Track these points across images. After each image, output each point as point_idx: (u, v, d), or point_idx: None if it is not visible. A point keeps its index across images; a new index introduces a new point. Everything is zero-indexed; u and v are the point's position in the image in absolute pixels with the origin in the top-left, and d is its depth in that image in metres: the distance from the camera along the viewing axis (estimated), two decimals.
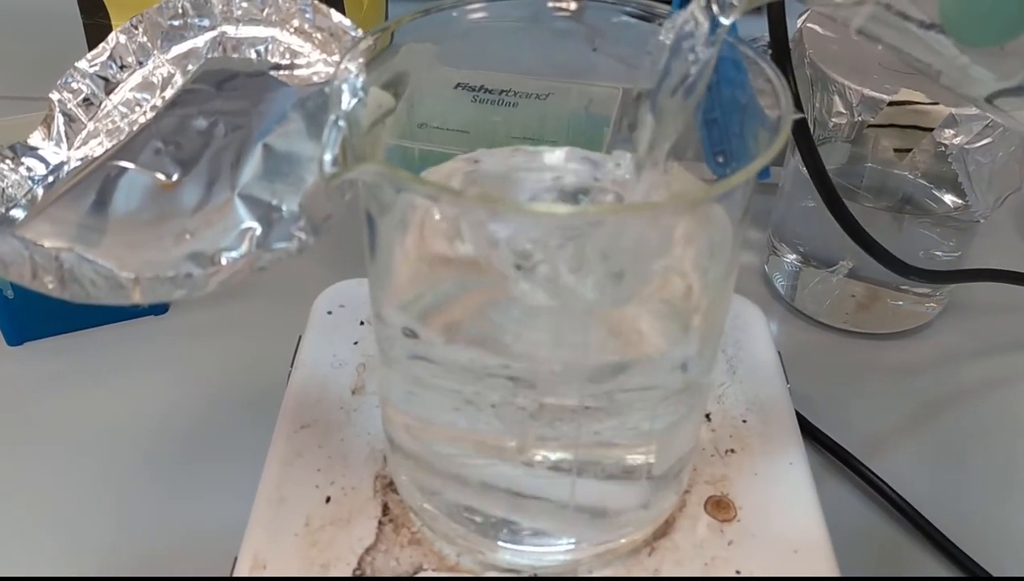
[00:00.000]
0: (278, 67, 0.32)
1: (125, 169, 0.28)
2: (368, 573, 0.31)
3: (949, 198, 0.49)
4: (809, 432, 0.45)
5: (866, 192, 0.50)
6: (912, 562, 0.41)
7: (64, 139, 0.32)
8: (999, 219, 0.60)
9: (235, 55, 0.33)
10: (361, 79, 0.27)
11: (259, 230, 0.27)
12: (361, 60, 0.28)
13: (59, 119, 0.32)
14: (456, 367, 0.28)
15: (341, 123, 0.25)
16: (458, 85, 0.51)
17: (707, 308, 0.29)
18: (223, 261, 0.26)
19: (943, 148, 0.43)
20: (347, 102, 0.26)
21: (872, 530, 0.42)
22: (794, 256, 0.53)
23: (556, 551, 0.31)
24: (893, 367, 0.50)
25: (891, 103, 0.43)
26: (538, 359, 0.27)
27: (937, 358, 0.51)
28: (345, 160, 0.24)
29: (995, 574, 0.40)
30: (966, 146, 0.43)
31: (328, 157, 0.24)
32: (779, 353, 0.40)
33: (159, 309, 0.52)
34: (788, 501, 0.34)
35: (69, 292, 0.25)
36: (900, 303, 0.51)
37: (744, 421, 0.36)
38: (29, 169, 0.31)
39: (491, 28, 0.31)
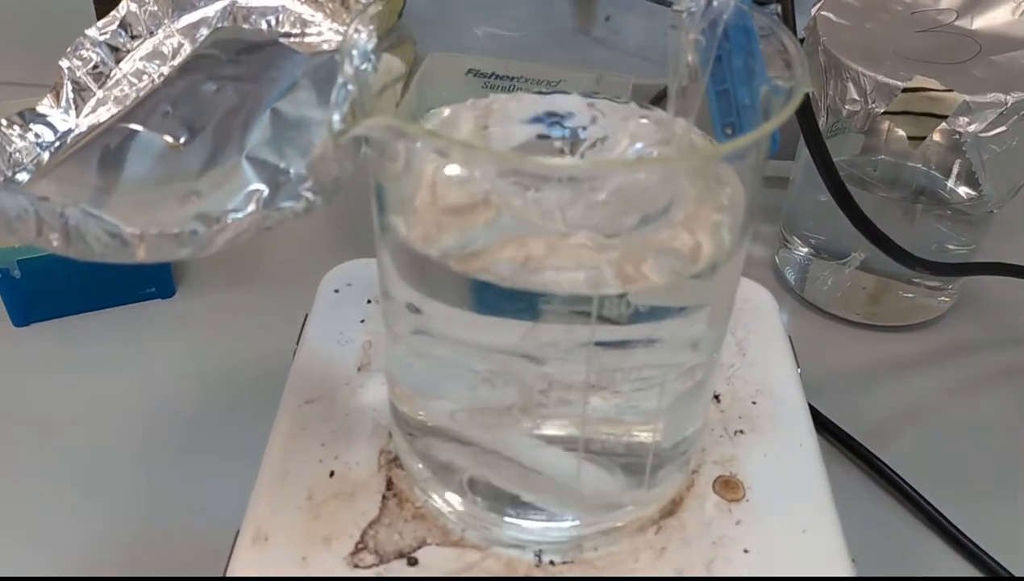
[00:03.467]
0: (289, 35, 0.32)
1: (134, 131, 0.28)
2: (371, 547, 0.31)
3: (963, 190, 0.49)
4: (819, 422, 0.44)
5: (879, 183, 0.50)
6: (922, 551, 0.40)
7: (72, 106, 0.32)
8: (1016, 212, 0.59)
9: (246, 25, 0.33)
10: (371, 43, 0.27)
11: (266, 192, 0.27)
12: (372, 26, 0.28)
13: (68, 87, 0.32)
14: (461, 342, 0.28)
15: (350, 86, 0.25)
16: (469, 71, 0.51)
17: (716, 281, 0.28)
18: (228, 221, 0.26)
19: (957, 136, 0.43)
20: (357, 65, 0.26)
21: (881, 519, 0.41)
22: (806, 249, 0.52)
23: (561, 527, 0.31)
24: (904, 360, 0.50)
25: (905, 89, 0.42)
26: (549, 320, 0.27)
27: (948, 351, 0.50)
28: (353, 120, 0.24)
29: (1003, 563, 0.39)
30: (980, 134, 0.42)
31: (336, 117, 0.24)
32: (790, 337, 0.39)
33: (166, 292, 0.52)
34: (797, 481, 0.33)
35: (74, 249, 0.25)
36: (911, 296, 0.51)
37: (754, 403, 0.36)
38: (37, 136, 0.31)
39: None
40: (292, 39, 0.32)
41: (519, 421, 0.29)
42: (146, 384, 0.47)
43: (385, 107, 0.27)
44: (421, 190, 0.27)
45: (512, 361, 0.28)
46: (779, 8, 0.32)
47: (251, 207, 0.26)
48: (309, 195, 0.26)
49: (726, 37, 0.28)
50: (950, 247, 0.49)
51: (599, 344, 0.27)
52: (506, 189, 0.26)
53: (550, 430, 0.29)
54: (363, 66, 0.27)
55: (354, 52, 0.26)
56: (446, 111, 0.30)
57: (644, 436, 0.30)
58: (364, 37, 0.27)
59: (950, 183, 0.49)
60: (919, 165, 0.50)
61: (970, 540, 0.40)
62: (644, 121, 0.30)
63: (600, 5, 0.31)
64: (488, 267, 0.26)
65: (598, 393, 0.28)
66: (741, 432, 0.35)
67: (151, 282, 0.52)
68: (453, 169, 0.28)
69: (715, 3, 0.28)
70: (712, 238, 0.27)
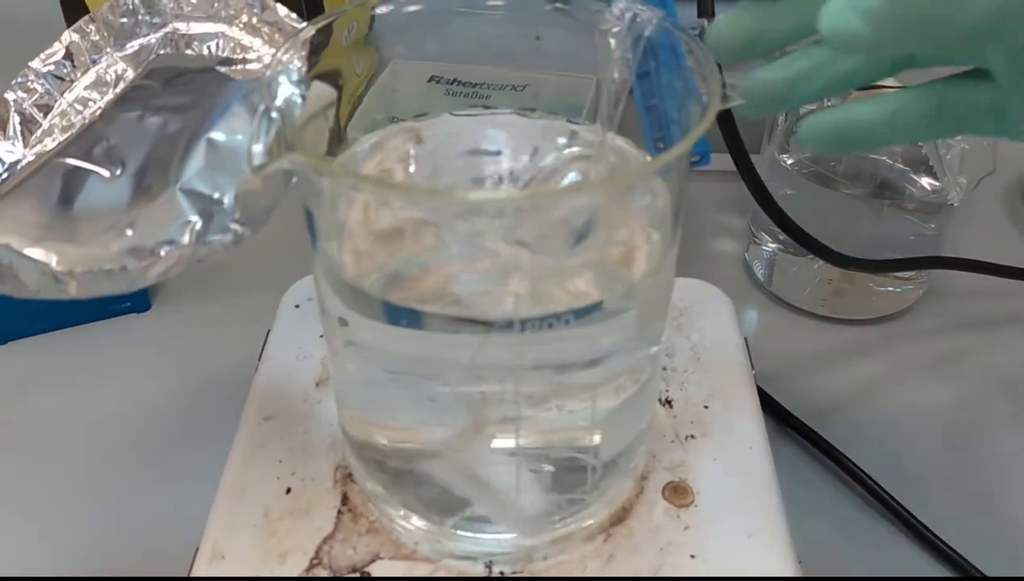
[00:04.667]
0: (228, 62, 0.32)
1: (70, 165, 0.29)
2: (325, 562, 0.31)
3: (926, 181, 0.49)
4: (783, 418, 0.44)
5: (842, 179, 0.50)
6: (888, 549, 0.40)
7: (19, 138, 0.32)
8: (985, 204, 0.59)
9: (188, 51, 0.33)
10: (300, 71, 0.27)
11: (200, 223, 0.27)
12: (303, 52, 0.28)
13: (15, 119, 0.33)
14: (395, 355, 0.29)
15: (274, 114, 0.25)
16: (432, 78, 0.51)
17: (644, 288, 0.29)
18: (162, 254, 0.26)
19: None
20: (282, 93, 0.26)
21: (846, 516, 0.42)
22: (774, 245, 0.52)
23: (511, 538, 0.32)
24: (872, 353, 0.50)
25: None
26: (474, 341, 0.27)
27: (916, 343, 0.50)
28: (279, 150, 0.24)
29: (975, 562, 0.39)
30: None
31: (258, 148, 0.24)
32: (745, 339, 0.40)
33: (141, 306, 0.52)
34: (746, 485, 0.34)
35: (9, 286, 0.26)
36: (882, 289, 0.51)
37: (706, 407, 0.36)
38: None
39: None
40: (235, 66, 0.32)
41: (456, 435, 0.29)
42: (123, 399, 0.47)
43: (312, 136, 0.27)
44: (351, 218, 0.27)
45: (442, 378, 0.28)
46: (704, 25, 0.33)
47: (185, 239, 0.27)
48: (237, 227, 0.26)
49: (653, 55, 0.29)
50: (924, 237, 0.49)
51: (525, 357, 0.28)
52: (435, 217, 0.27)
53: (487, 441, 0.30)
54: (290, 94, 0.27)
55: (281, 78, 0.27)
56: (374, 137, 0.31)
57: (583, 445, 0.31)
58: (294, 63, 0.28)
59: (914, 175, 0.49)
60: (884, 158, 0.50)
61: (938, 537, 0.40)
62: (575, 147, 0.30)
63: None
64: (422, 298, 0.26)
65: (529, 406, 0.29)
66: (692, 437, 0.35)
67: (126, 297, 0.52)
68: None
69: (638, 20, 0.28)
70: (641, 247, 0.28)
